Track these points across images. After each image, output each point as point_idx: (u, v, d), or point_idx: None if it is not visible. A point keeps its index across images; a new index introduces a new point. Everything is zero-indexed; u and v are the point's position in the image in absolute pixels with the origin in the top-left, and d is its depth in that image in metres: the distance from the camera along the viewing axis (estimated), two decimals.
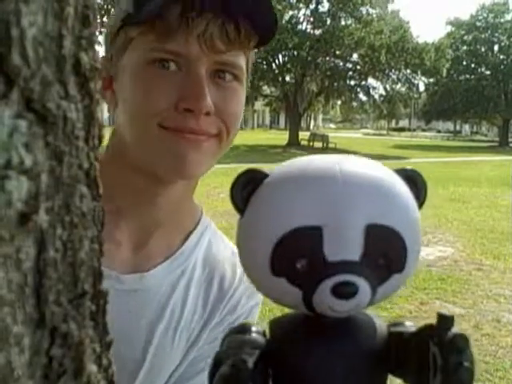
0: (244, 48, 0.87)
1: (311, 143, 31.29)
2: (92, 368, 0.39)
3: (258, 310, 1.06)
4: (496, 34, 51.93)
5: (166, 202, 0.95)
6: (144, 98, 0.85)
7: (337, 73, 35.72)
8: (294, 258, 0.46)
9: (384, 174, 0.49)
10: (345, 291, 0.45)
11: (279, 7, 30.43)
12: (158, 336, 0.95)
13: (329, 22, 34.49)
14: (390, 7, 39.09)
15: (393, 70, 36.90)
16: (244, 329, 0.50)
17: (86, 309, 0.38)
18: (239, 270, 1.01)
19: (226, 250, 1.05)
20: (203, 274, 1.00)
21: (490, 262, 7.07)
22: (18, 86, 0.31)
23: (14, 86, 0.30)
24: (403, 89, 40.44)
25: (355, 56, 35.71)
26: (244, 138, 29.46)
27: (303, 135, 33.94)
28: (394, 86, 39.82)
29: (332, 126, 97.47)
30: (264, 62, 32.63)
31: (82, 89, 0.37)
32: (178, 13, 0.81)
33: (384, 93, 40.93)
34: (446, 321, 0.45)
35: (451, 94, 49.97)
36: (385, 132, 76.57)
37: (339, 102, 49.91)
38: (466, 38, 53.02)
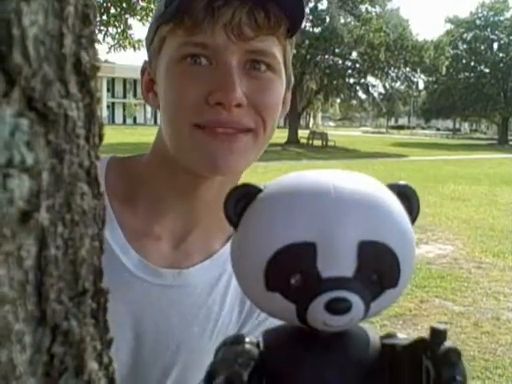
0: (274, 33, 0.84)
1: (310, 141, 31.29)
2: (93, 366, 0.39)
3: None
4: (495, 32, 51.91)
5: (205, 198, 0.94)
6: (176, 94, 0.84)
7: (336, 71, 35.73)
8: (288, 274, 0.46)
9: (377, 190, 0.49)
10: (338, 307, 0.45)
11: None
12: (193, 336, 0.95)
13: (328, 19, 34.46)
14: (390, 5, 39.04)
15: (392, 68, 36.92)
16: (238, 340, 0.50)
17: (86, 307, 0.38)
18: None
19: None
20: None
21: (490, 260, 7.08)
22: (19, 85, 0.31)
23: (15, 84, 0.30)
24: (402, 87, 40.51)
25: (354, 54, 35.71)
26: None
27: (302, 133, 33.96)
28: (393, 84, 39.89)
29: (331, 124, 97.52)
30: None
31: (82, 87, 0.37)
32: (203, 4, 0.80)
33: (383, 91, 41.00)
34: (438, 335, 0.45)
35: (450, 92, 49.95)
36: (384, 130, 76.55)
37: (338, 100, 49.91)
38: (465, 35, 53.00)
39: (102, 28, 13.35)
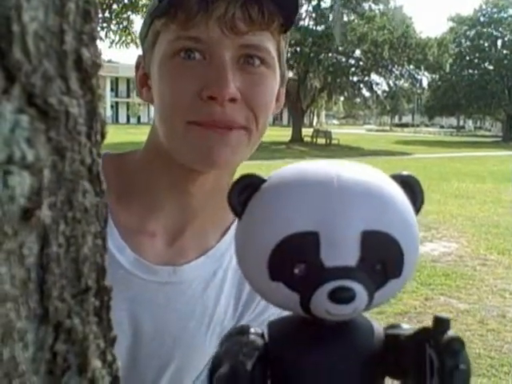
0: (268, 28, 0.84)
1: (314, 139, 31.29)
2: (96, 363, 0.39)
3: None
4: (499, 29, 51.77)
5: (200, 194, 0.94)
6: (169, 90, 0.84)
7: (340, 69, 35.71)
8: (292, 264, 0.46)
9: (380, 179, 0.49)
10: (342, 296, 0.45)
11: None
12: (189, 332, 0.95)
13: (331, 17, 34.43)
14: (393, 3, 39.02)
15: (396, 66, 36.88)
16: (243, 330, 0.50)
17: (89, 304, 0.38)
18: None
19: None
20: (236, 273, 0.99)
21: (495, 258, 7.06)
22: (19, 81, 0.30)
23: (15, 81, 0.30)
24: (406, 84, 40.45)
25: (358, 52, 35.68)
26: None
27: (306, 132, 33.95)
28: (397, 82, 39.82)
29: (335, 122, 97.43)
30: None
31: (83, 84, 0.37)
32: None
33: (387, 88, 40.92)
34: (442, 323, 0.45)
35: (454, 90, 49.86)
36: (388, 128, 76.48)
37: (342, 98, 49.83)
38: (468, 33, 52.89)
39: (104, 25, 13.35)
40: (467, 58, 51.85)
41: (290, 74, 33.96)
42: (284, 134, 33.89)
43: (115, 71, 56.18)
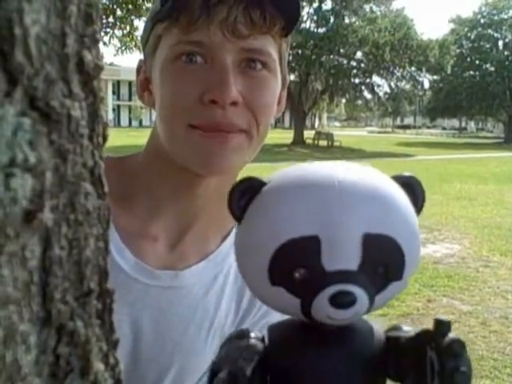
0: (270, 32, 0.84)
1: (316, 142, 31.29)
2: (99, 366, 0.39)
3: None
4: (500, 30, 51.75)
5: (201, 198, 0.93)
6: (171, 94, 0.84)
7: (341, 71, 35.70)
8: (292, 268, 0.46)
9: (381, 182, 0.48)
10: (343, 301, 0.45)
11: None
12: (190, 337, 0.95)
13: (332, 20, 34.46)
14: (394, 5, 39.01)
15: (397, 68, 36.86)
16: (243, 334, 0.50)
17: (92, 307, 0.38)
18: None
19: None
20: (237, 279, 0.98)
21: (498, 259, 7.05)
22: (21, 84, 0.30)
23: (17, 84, 0.30)
24: (408, 86, 40.43)
25: (359, 54, 35.69)
26: None
27: (308, 134, 33.95)
28: (398, 84, 39.80)
29: (337, 124, 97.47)
30: None
31: (85, 87, 0.37)
32: (199, 2, 0.80)
33: (389, 90, 40.92)
34: (442, 326, 0.45)
35: (456, 91, 49.82)
36: (390, 130, 76.45)
37: (344, 101, 49.82)
38: (469, 34, 52.86)
39: (107, 30, 13.38)
40: (468, 59, 51.81)
41: (292, 77, 33.98)
42: (286, 136, 33.89)
43: (117, 74, 56.25)
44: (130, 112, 61.81)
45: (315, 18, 34.92)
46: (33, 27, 0.31)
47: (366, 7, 35.96)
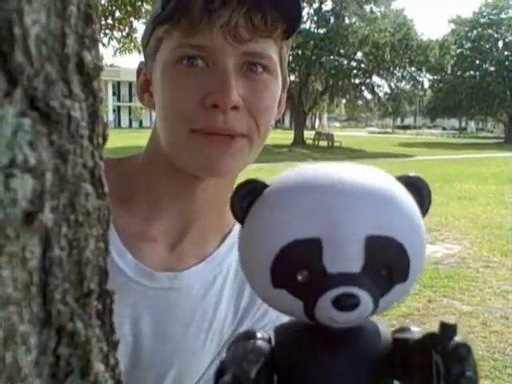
0: (271, 36, 0.84)
1: (316, 142, 31.28)
2: (99, 367, 0.39)
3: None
4: (500, 31, 51.75)
5: (201, 199, 0.94)
6: (172, 97, 0.84)
7: (341, 71, 35.72)
8: (294, 270, 0.46)
9: (384, 182, 0.48)
10: (346, 303, 0.45)
11: None
12: (189, 338, 0.95)
13: (332, 20, 34.47)
14: (394, 5, 39.06)
15: (397, 68, 36.88)
16: (249, 336, 0.50)
17: (92, 308, 0.38)
18: None
19: None
20: (236, 279, 0.99)
21: (498, 259, 7.05)
22: (21, 85, 0.30)
23: (17, 84, 0.30)
24: (408, 86, 40.45)
25: (359, 54, 35.69)
26: None
27: (308, 134, 33.94)
28: (398, 84, 39.83)
29: (337, 124, 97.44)
30: None
31: (85, 88, 0.37)
32: (200, 6, 0.80)
33: (389, 91, 40.96)
34: (448, 329, 0.44)
35: (456, 91, 49.81)
36: (390, 130, 76.43)
37: (344, 101, 49.80)
38: (470, 34, 52.86)
39: (107, 31, 13.39)
40: (468, 59, 51.81)
41: (292, 77, 33.97)
42: (286, 136, 33.88)
43: (117, 75, 56.25)
44: (130, 113, 61.80)
45: (315, 18, 34.92)
46: (33, 27, 0.31)
47: (366, 8, 35.97)
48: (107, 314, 0.40)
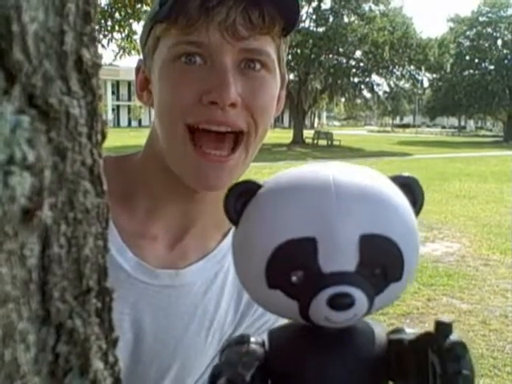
0: (269, 33, 0.84)
1: (316, 141, 31.30)
2: (98, 365, 0.39)
3: None
4: (499, 29, 51.74)
5: (201, 197, 0.93)
6: (170, 94, 0.84)
7: (340, 70, 35.70)
8: (289, 270, 0.46)
9: (378, 182, 0.48)
10: (341, 303, 0.45)
11: None
12: (190, 335, 0.95)
13: (331, 19, 34.46)
14: (393, 4, 39.10)
15: (396, 67, 36.87)
16: (243, 340, 0.50)
17: (91, 305, 0.38)
18: None
19: None
20: (237, 276, 0.99)
21: (497, 257, 7.05)
22: (19, 82, 0.30)
23: (15, 81, 0.30)
24: (407, 85, 40.45)
25: (358, 53, 35.69)
26: None
27: (307, 133, 33.97)
28: (397, 83, 39.81)
29: (336, 123, 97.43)
30: None
31: (84, 85, 0.37)
32: (198, 3, 0.80)
33: (388, 89, 40.97)
34: (444, 328, 0.44)
35: (455, 90, 49.81)
36: (389, 129, 76.43)
37: (343, 100, 49.78)
38: (468, 33, 52.85)
39: (106, 33, 13.38)
40: (467, 58, 51.82)
41: (291, 76, 33.97)
42: (285, 135, 33.88)
43: (116, 74, 56.22)
44: (129, 112, 61.78)
45: (314, 17, 34.92)
46: (31, 25, 0.31)
47: (365, 6, 35.95)
48: (106, 311, 0.40)
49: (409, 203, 0.49)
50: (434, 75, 45.83)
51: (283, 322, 1.06)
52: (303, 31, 33.15)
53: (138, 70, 0.96)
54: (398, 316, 4.91)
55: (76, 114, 0.36)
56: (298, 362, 0.49)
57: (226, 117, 0.82)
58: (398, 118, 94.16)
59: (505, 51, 50.85)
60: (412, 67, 37.33)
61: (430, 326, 0.45)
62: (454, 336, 0.44)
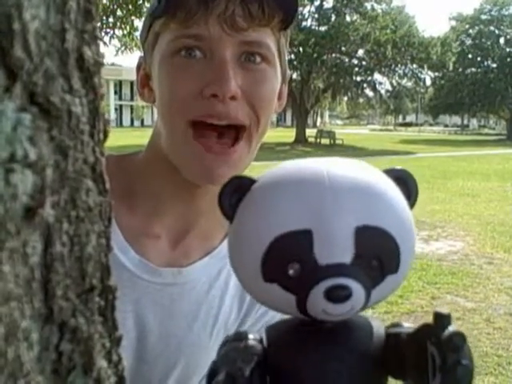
0: (268, 25, 0.84)
1: (318, 140, 31.29)
2: (102, 363, 0.39)
3: None
4: (501, 27, 51.65)
5: (204, 195, 0.93)
6: (170, 88, 0.84)
7: (343, 69, 35.69)
8: (285, 263, 0.46)
9: (372, 175, 0.48)
10: (338, 295, 0.45)
11: None
12: (195, 333, 0.95)
13: (334, 18, 34.44)
14: (395, 2, 39.05)
15: (399, 65, 36.84)
16: (241, 336, 0.50)
17: (94, 304, 0.38)
18: None
19: None
20: None
21: (501, 256, 7.04)
22: (21, 80, 0.30)
23: (17, 79, 0.30)
24: (409, 83, 40.42)
25: (361, 52, 35.66)
26: None
27: (310, 132, 33.96)
28: (400, 81, 39.78)
29: (339, 122, 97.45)
30: None
31: (86, 83, 0.37)
32: None
33: (390, 88, 40.95)
34: (442, 319, 0.44)
35: (458, 88, 49.77)
36: (392, 127, 76.40)
37: (345, 98, 49.78)
38: (471, 31, 52.78)
39: (108, 30, 13.41)
40: (470, 56, 51.75)
41: (294, 75, 33.95)
42: (288, 134, 33.87)
43: (119, 74, 56.31)
44: (132, 112, 61.85)
45: (316, 16, 34.91)
46: (32, 22, 0.31)
47: (368, 5, 35.92)
48: (109, 310, 0.40)
49: (403, 195, 0.49)
50: (437, 74, 45.75)
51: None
52: (305, 30, 33.16)
53: (138, 67, 0.96)
54: (402, 314, 4.90)
55: (78, 112, 0.36)
56: (297, 358, 0.49)
57: (227, 109, 0.82)
58: (400, 117, 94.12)
59: (507, 49, 50.78)
60: (414, 66, 37.28)
61: (428, 322, 0.45)
62: (453, 327, 0.44)
